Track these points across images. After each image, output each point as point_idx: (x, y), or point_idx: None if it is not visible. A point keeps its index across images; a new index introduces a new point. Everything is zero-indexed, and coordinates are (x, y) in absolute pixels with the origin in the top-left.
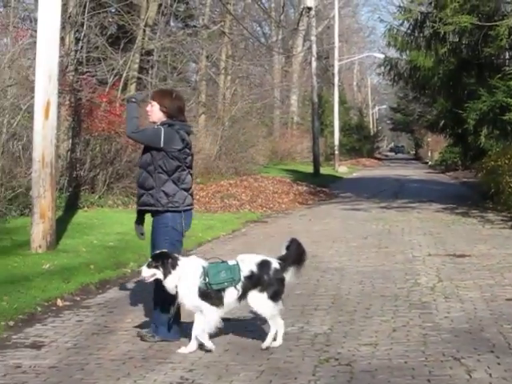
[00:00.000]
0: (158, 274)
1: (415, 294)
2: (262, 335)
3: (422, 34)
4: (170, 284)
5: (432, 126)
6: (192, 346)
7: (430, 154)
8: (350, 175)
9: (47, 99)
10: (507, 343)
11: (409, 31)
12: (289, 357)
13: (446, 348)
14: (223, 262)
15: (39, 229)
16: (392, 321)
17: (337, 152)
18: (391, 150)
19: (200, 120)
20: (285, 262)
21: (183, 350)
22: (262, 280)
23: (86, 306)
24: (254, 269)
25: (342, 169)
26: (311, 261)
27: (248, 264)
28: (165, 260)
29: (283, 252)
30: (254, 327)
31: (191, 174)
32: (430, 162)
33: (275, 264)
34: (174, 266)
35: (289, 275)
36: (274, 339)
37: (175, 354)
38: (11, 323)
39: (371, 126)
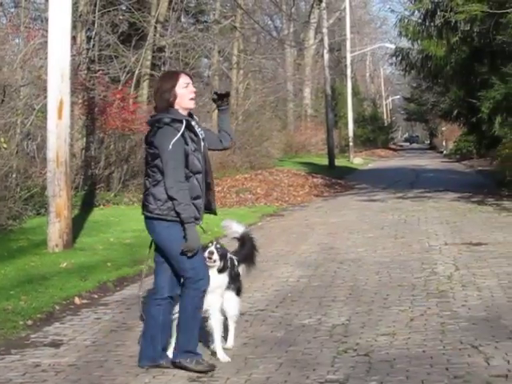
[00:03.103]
0: (218, 265)
1: (432, 283)
2: (281, 328)
3: (433, 24)
4: (218, 282)
5: (446, 115)
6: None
7: (444, 143)
8: (365, 166)
9: (60, 99)
10: None
11: (420, 21)
12: (307, 348)
13: (463, 336)
14: None
15: (56, 228)
16: (410, 310)
17: (351, 143)
18: (406, 140)
19: (213, 115)
20: (238, 257)
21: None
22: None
23: (103, 304)
24: None
25: (357, 160)
26: (328, 253)
27: None
28: (227, 257)
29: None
30: (272, 320)
31: None
32: (444, 152)
33: (234, 259)
34: (231, 265)
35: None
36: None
37: None
38: (30, 322)
39: (385, 117)
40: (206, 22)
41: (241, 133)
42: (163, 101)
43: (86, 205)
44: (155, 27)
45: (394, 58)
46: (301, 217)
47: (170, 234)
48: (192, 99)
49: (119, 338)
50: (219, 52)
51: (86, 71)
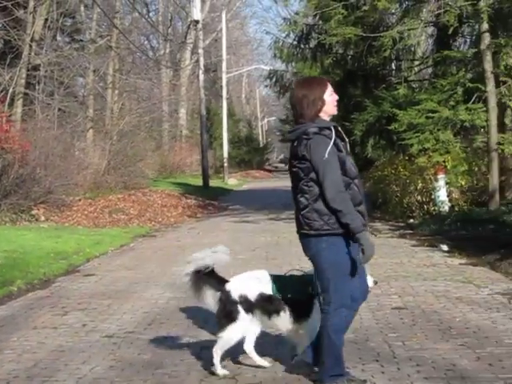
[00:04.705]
0: None
1: None
2: (149, 350)
3: (307, 46)
4: None
5: None
6: None
7: None
8: (239, 187)
9: None
10: (392, 352)
11: (295, 43)
12: (174, 371)
13: None
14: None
15: None
16: (278, 332)
17: (226, 164)
18: (281, 161)
19: (88, 135)
20: None
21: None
22: None
23: None
24: None
25: (232, 181)
26: None
27: None
28: None
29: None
30: (140, 342)
31: None
32: None
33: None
34: None
35: None
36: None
37: (60, 371)
38: None
39: (260, 138)
40: (81, 40)
41: (115, 153)
42: (313, 108)
43: None
44: (30, 45)
45: (268, 80)
46: (173, 238)
47: (337, 250)
48: (335, 106)
49: None
50: (94, 71)
51: None
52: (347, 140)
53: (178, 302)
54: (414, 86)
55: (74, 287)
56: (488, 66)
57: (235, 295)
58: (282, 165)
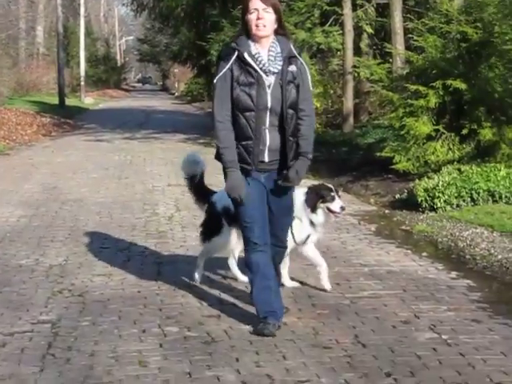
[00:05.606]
0: None
1: (153, 223)
2: None
3: None
4: None
5: (176, 56)
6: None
7: (176, 85)
8: (96, 106)
9: None
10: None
11: None
12: (22, 289)
13: (178, 278)
14: None
15: None
16: (127, 251)
17: (83, 83)
18: (139, 81)
19: None
20: None
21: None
22: None
23: None
24: None
25: (89, 100)
26: (50, 193)
27: None
28: None
29: None
30: None
31: None
32: (176, 93)
33: None
34: None
35: None
36: None
37: None
38: None
39: (118, 57)
40: None
41: None
42: (240, 27)
43: None
44: None
45: None
46: (26, 156)
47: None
48: (257, 26)
49: None
50: None
51: None
52: (265, 69)
53: (30, 220)
54: None
55: None
56: None
57: (219, 207)
58: (140, 84)
